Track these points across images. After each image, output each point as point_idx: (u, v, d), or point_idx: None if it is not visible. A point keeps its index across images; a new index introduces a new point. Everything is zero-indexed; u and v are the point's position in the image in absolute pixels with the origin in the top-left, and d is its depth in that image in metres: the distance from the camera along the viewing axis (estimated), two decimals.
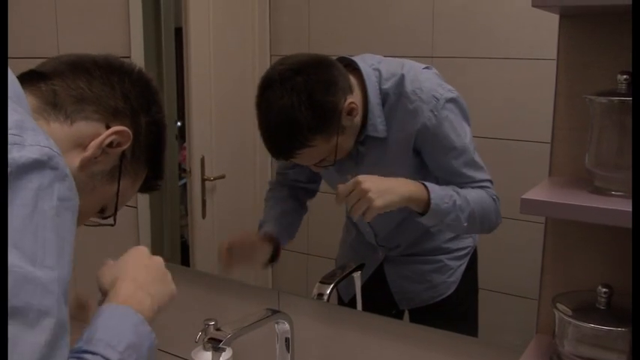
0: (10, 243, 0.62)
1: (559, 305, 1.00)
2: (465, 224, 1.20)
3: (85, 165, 0.84)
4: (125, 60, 0.92)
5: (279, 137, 1.19)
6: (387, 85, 1.23)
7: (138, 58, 1.58)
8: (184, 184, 1.63)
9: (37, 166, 0.65)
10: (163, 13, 1.60)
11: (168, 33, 1.60)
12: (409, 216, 1.23)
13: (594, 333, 0.96)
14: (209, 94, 1.57)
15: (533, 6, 0.89)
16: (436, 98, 1.19)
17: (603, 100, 0.93)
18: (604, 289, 0.98)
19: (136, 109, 0.89)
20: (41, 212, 0.65)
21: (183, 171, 1.63)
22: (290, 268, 1.48)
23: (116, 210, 0.94)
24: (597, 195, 0.94)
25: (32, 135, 0.67)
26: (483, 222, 1.21)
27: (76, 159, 0.83)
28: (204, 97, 1.57)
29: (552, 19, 1.03)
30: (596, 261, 1.06)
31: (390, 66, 1.24)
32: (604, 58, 1.00)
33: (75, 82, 0.85)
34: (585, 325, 0.96)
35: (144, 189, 0.97)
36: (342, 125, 1.20)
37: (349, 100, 1.20)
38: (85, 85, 0.85)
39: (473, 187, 1.21)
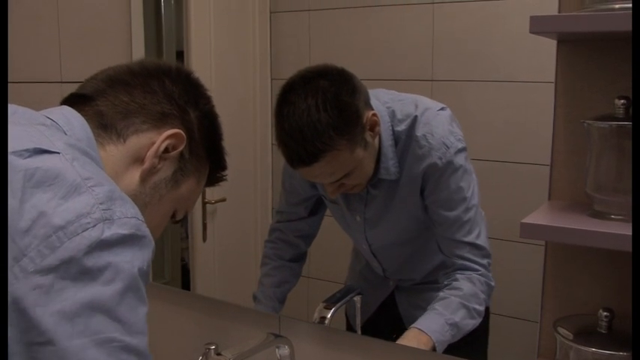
0: (111, 316, 0.65)
1: (560, 329, 1.00)
2: (477, 320, 1.21)
3: (145, 178, 0.84)
4: (160, 61, 0.91)
5: (303, 139, 1.10)
6: (400, 127, 1.19)
7: None
8: None
9: (127, 240, 0.68)
10: (165, 36, 1.61)
11: (169, 56, 1.61)
12: (418, 251, 1.23)
13: (595, 357, 0.95)
14: None
15: (530, 32, 0.89)
16: (446, 146, 1.17)
17: (601, 124, 0.94)
18: (605, 313, 0.98)
19: (182, 107, 0.87)
20: (134, 283, 0.68)
21: None
22: (291, 292, 1.47)
23: (187, 212, 0.94)
24: (597, 219, 0.94)
25: (120, 206, 0.69)
26: (486, 301, 1.22)
27: (136, 174, 0.83)
28: None
29: (550, 43, 1.04)
30: (596, 285, 1.06)
31: (405, 106, 1.20)
32: (601, 82, 1.01)
33: (117, 97, 0.84)
34: (586, 349, 0.96)
35: (210, 183, 0.96)
36: (365, 139, 1.16)
37: (372, 112, 1.16)
38: (127, 98, 0.84)
39: (461, 264, 1.20)
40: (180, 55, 1.56)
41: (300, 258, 1.43)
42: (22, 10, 1.75)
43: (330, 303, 1.32)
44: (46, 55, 1.74)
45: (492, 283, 1.20)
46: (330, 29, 1.37)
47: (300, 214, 1.40)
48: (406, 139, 1.19)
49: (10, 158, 0.67)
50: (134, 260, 0.68)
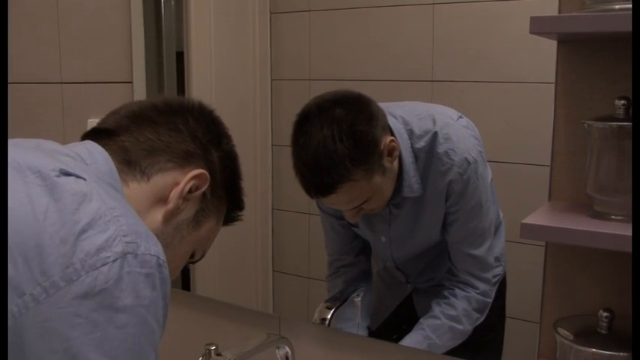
0: None
1: (560, 330, 1.00)
2: (460, 339, 1.22)
3: (168, 218, 0.82)
4: (183, 98, 0.91)
5: (319, 170, 1.10)
6: (419, 144, 1.18)
7: (139, 82, 1.59)
8: None
9: (147, 281, 0.66)
10: (165, 37, 1.61)
11: (169, 57, 1.61)
12: (439, 256, 1.22)
13: (595, 358, 0.95)
14: None
15: (531, 33, 0.90)
16: (468, 162, 1.16)
17: (601, 125, 0.94)
18: (605, 314, 0.98)
19: (206, 146, 0.86)
20: (148, 328, 0.66)
21: None
22: (291, 292, 1.47)
23: (204, 253, 0.92)
24: (597, 219, 0.94)
25: (145, 241, 0.67)
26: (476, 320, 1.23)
27: (159, 214, 0.82)
28: None
29: (551, 44, 1.04)
30: (597, 285, 1.06)
31: (422, 122, 1.19)
32: (602, 83, 1.01)
33: (142, 134, 0.83)
34: (586, 349, 0.96)
35: (226, 222, 0.94)
36: (383, 165, 1.14)
37: (389, 138, 1.15)
38: (153, 135, 0.83)
39: (464, 279, 1.21)
40: (180, 55, 1.56)
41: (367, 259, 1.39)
42: (22, 10, 1.75)
43: (330, 303, 1.32)
44: (46, 56, 1.74)
45: (489, 300, 1.21)
46: (330, 30, 1.37)
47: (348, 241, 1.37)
48: (427, 156, 1.18)
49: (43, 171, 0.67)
50: (150, 305, 0.65)
